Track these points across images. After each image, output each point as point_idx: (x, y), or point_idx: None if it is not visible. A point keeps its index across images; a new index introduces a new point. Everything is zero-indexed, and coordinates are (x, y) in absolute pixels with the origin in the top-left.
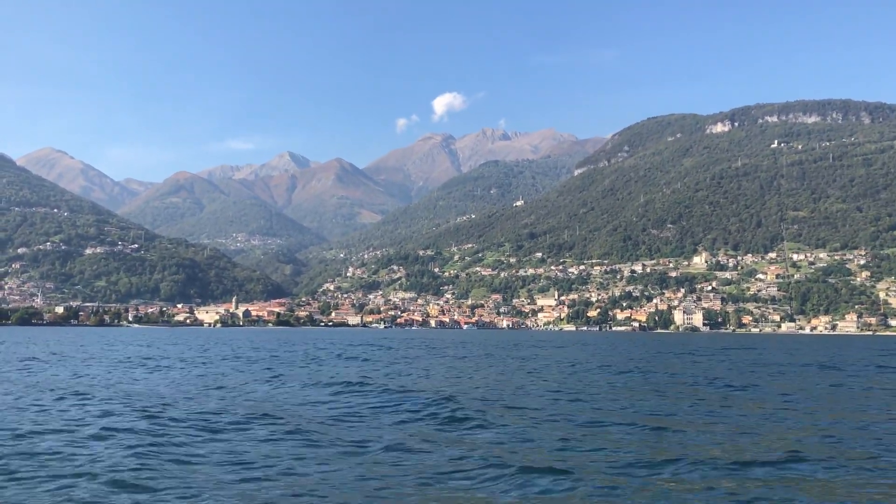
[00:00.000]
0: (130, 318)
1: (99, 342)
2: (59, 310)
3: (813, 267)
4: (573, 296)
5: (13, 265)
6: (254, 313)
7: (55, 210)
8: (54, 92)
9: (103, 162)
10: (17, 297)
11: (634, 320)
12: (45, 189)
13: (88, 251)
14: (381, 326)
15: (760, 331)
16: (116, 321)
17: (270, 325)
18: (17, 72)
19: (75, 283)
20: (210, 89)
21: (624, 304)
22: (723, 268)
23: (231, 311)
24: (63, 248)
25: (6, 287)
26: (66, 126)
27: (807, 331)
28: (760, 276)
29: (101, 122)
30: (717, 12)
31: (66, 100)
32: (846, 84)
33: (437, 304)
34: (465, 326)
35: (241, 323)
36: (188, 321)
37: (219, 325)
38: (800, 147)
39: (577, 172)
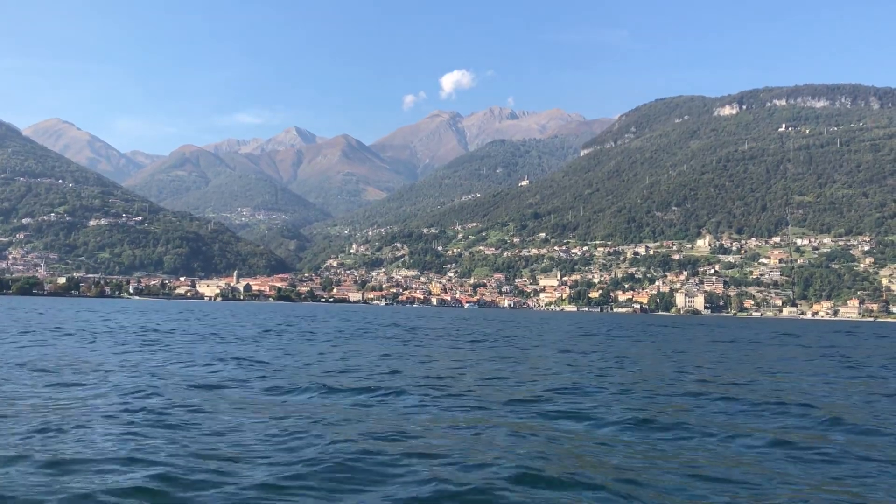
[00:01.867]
0: (131, 290)
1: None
2: (61, 280)
3: (817, 252)
4: (575, 276)
5: (17, 235)
6: (255, 288)
7: (60, 181)
8: (62, 63)
9: (110, 134)
10: (20, 267)
11: (636, 302)
12: (49, 160)
13: (93, 222)
14: (382, 303)
15: (762, 315)
16: (117, 293)
17: (271, 299)
18: (24, 43)
19: (79, 254)
20: (218, 63)
21: (626, 286)
22: (726, 251)
23: (232, 285)
24: (67, 219)
25: (10, 257)
26: (73, 97)
27: (808, 316)
28: (763, 260)
29: (109, 94)
30: None
31: (74, 71)
32: (856, 69)
33: (440, 283)
34: (466, 305)
35: (241, 297)
36: (189, 294)
37: (219, 299)
38: (807, 131)
39: (583, 153)
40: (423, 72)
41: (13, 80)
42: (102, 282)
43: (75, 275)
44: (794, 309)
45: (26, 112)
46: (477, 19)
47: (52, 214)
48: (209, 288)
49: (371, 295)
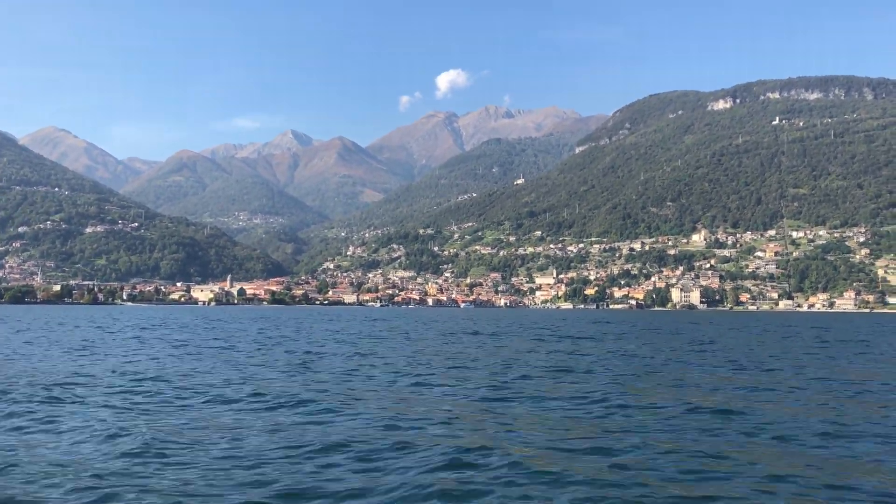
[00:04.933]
0: (125, 297)
1: None
2: (55, 288)
3: (812, 244)
4: (572, 274)
5: (14, 244)
6: (249, 291)
7: (56, 189)
8: (58, 71)
9: (107, 141)
10: (17, 276)
11: (632, 298)
12: (45, 168)
13: (89, 230)
14: (378, 305)
15: (758, 308)
16: (111, 299)
17: (265, 303)
18: (21, 52)
19: (76, 261)
20: (215, 68)
21: (622, 283)
22: (722, 245)
23: (226, 289)
24: (63, 226)
25: (6, 266)
26: (70, 105)
27: (804, 308)
28: (759, 253)
29: (106, 101)
30: None
31: (71, 79)
32: (849, 60)
33: (436, 283)
34: (462, 305)
35: (235, 301)
36: (183, 299)
37: (213, 304)
38: (801, 124)
39: (578, 150)
40: (418, 72)
41: (9, 89)
42: (96, 288)
43: (70, 282)
44: (790, 302)
45: (23, 121)
46: (471, 19)
47: (49, 222)
48: (203, 293)
49: (366, 297)
